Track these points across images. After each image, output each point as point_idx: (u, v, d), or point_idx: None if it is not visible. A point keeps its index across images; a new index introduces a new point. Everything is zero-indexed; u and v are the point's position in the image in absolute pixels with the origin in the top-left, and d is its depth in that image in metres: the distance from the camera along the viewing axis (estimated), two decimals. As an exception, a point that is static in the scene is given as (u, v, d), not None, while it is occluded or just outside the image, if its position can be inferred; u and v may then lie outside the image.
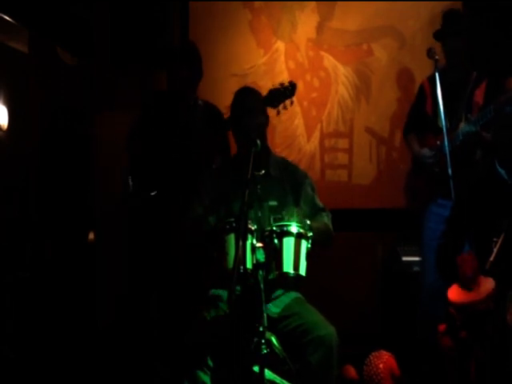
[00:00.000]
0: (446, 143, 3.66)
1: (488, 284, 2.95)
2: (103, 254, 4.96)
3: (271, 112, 3.48)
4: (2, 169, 5.25)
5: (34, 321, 4.53)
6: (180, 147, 3.88)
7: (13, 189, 4.96)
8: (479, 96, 3.91)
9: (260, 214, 3.19)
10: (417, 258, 4.41)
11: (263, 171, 3.30)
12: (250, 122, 3.21)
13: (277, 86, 3.61)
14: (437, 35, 4.00)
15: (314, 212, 3.29)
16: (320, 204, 3.37)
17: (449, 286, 3.15)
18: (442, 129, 3.69)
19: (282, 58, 5.09)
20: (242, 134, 3.17)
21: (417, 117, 4.21)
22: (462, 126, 3.84)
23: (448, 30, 3.93)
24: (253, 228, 2.92)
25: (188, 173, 3.84)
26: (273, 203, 3.25)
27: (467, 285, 3.03)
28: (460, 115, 3.89)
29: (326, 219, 3.30)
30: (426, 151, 4.05)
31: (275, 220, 3.00)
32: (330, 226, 3.30)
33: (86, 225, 5.12)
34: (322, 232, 3.15)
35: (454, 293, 3.07)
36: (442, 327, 3.11)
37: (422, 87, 4.19)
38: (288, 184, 3.34)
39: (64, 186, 5.46)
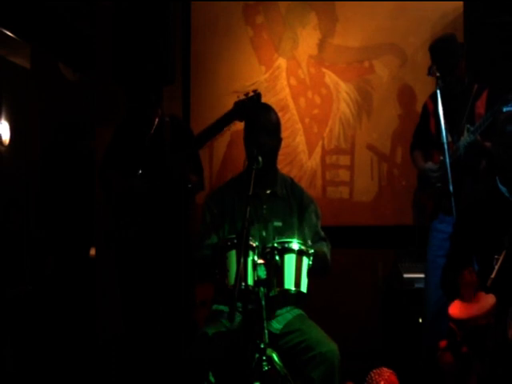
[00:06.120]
0: (448, 160, 3.67)
1: (489, 299, 2.94)
2: (104, 269, 4.94)
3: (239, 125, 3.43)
4: (4, 183, 5.26)
5: (35, 334, 4.53)
6: (154, 171, 3.80)
7: (14, 203, 4.97)
8: (481, 107, 3.91)
9: (264, 234, 3.18)
10: (418, 275, 4.40)
11: (269, 190, 3.29)
12: (263, 140, 3.17)
13: (242, 97, 3.42)
14: (430, 72, 3.89)
15: (315, 240, 3.23)
16: (322, 233, 3.31)
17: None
18: (444, 145, 3.71)
19: (284, 74, 5.10)
20: (252, 150, 3.05)
21: (421, 136, 4.23)
22: (463, 137, 3.85)
23: (438, 66, 3.85)
24: (254, 245, 2.91)
25: (168, 195, 3.81)
26: (278, 224, 3.22)
27: (467, 300, 3.02)
28: (462, 128, 3.90)
29: (325, 249, 3.24)
30: (430, 165, 4.05)
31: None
32: (328, 257, 3.23)
33: (88, 239, 5.11)
34: (319, 258, 3.08)
35: (455, 308, 3.06)
36: (442, 343, 3.10)
37: (425, 106, 4.21)
38: (294, 205, 3.33)
39: (65, 200, 5.46)
